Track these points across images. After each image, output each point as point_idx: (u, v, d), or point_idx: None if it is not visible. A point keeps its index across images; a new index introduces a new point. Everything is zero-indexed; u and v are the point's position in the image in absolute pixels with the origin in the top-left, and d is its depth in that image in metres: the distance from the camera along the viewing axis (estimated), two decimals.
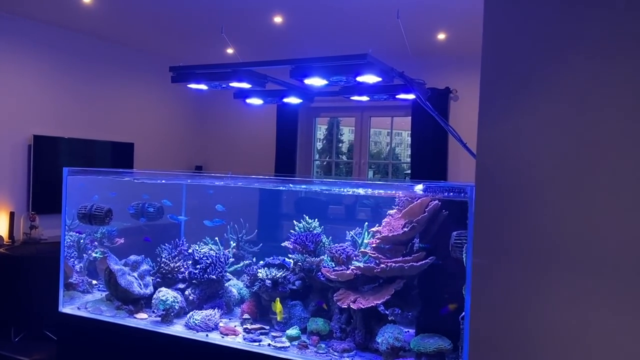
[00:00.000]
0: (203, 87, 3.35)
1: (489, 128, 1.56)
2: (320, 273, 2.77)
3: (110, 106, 7.50)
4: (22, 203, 6.39)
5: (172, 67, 3.26)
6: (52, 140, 6.69)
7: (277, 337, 2.74)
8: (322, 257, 2.79)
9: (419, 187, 2.85)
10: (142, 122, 7.98)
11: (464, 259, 2.30)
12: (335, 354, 2.54)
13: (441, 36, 6.32)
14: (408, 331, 2.57)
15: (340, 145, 8.78)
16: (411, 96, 3.54)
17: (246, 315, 2.93)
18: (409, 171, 8.38)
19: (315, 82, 2.99)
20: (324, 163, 8.59)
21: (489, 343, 1.50)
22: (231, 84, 3.23)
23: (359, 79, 2.87)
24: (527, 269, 1.43)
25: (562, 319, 1.39)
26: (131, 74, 7.81)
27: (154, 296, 3.00)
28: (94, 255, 3.56)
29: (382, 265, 2.53)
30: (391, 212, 2.86)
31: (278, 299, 2.82)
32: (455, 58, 7.13)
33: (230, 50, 7.62)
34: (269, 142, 8.20)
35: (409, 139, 8.27)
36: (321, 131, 8.71)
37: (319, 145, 8.62)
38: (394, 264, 2.50)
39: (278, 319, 2.80)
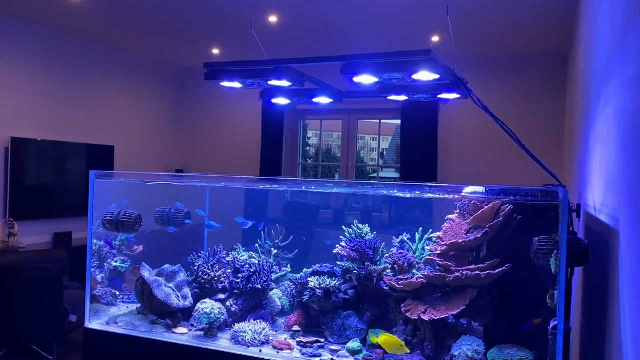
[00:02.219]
0: (236, 85, 3.15)
1: None
2: (382, 282, 2.61)
3: (91, 108, 7.17)
4: None
5: (207, 64, 3.06)
6: (31, 142, 6.33)
7: (335, 351, 2.57)
8: (386, 265, 2.63)
9: (468, 190, 2.74)
10: (123, 124, 7.66)
11: (553, 266, 2.18)
12: None
13: (435, 39, 6.26)
14: None
15: (307, 148, 8.63)
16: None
17: (296, 327, 2.76)
18: (374, 174, 8.32)
19: (365, 80, 2.84)
20: (309, 167, 8.44)
21: None
22: (270, 82, 3.04)
23: (415, 76, 2.74)
24: None
25: None
26: (113, 76, 7.48)
27: (196, 308, 2.78)
28: (114, 264, 3.31)
29: (457, 274, 2.39)
30: (451, 216, 2.73)
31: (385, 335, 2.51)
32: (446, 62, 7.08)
33: (216, 51, 7.39)
34: (254, 144, 8.00)
35: (372, 142, 8.24)
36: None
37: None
38: (469, 272, 2.37)
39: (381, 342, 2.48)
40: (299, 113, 7.98)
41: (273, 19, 5.86)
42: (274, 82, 3.04)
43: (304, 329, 2.79)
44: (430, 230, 2.84)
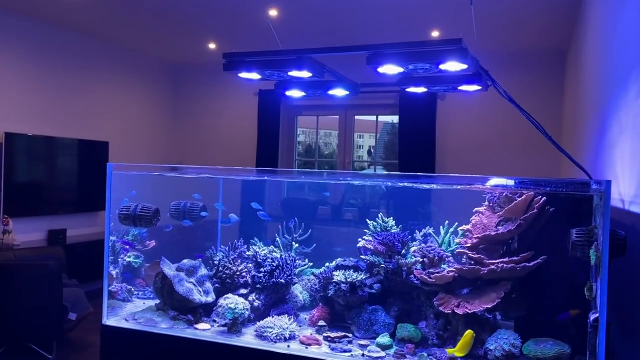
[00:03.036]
0: (255, 76, 3.09)
1: None
2: (413, 276, 2.57)
3: (85, 103, 7.05)
4: None
5: (226, 54, 2.98)
6: (24, 138, 6.19)
7: (365, 345, 2.52)
8: (417, 258, 2.59)
9: (492, 182, 2.71)
10: (117, 120, 7.54)
11: (593, 258, 2.15)
12: None
13: (435, 34, 6.24)
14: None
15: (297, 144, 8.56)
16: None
17: (322, 322, 2.70)
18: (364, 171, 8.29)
19: (389, 70, 2.79)
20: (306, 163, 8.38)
21: None
22: (290, 73, 2.98)
23: (443, 66, 2.70)
24: None
25: None
26: (107, 70, 7.35)
27: (219, 303, 2.72)
28: (127, 259, 3.23)
29: (492, 267, 2.36)
30: (479, 209, 2.70)
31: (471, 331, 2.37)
32: None
33: (212, 46, 7.29)
34: (249, 140, 7.92)
35: (359, 140, 8.19)
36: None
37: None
38: (505, 265, 2.34)
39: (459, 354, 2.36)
40: (295, 109, 7.92)
41: (273, 12, 5.79)
42: (294, 73, 2.98)
43: (328, 323, 2.73)
44: (447, 221, 2.80)
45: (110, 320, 2.84)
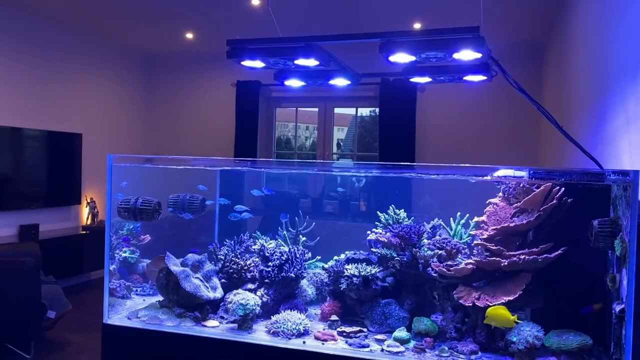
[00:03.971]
0: (258, 64, 2.99)
1: None
2: (430, 268, 2.52)
3: (57, 94, 6.80)
4: None
5: (230, 41, 2.87)
6: None
7: (381, 340, 2.47)
8: (435, 251, 2.54)
9: (500, 172, 2.69)
10: (90, 111, 7.30)
11: (619, 249, 2.14)
12: (462, 356, 2.31)
13: (417, 25, 6.22)
14: None
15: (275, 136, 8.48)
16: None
17: (334, 317, 2.64)
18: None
19: (400, 58, 2.73)
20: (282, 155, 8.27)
21: None
22: (297, 62, 2.89)
23: (456, 55, 2.65)
24: None
25: None
26: (79, 60, 7.09)
27: (229, 300, 2.62)
28: (123, 255, 3.10)
29: (514, 259, 2.33)
30: (494, 200, 2.67)
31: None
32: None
33: (189, 36, 7.12)
34: (227, 132, 7.78)
35: (316, 132, 8.17)
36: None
37: None
38: (527, 257, 2.31)
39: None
40: (274, 100, 7.81)
41: (255, 1, 5.66)
42: (301, 62, 2.89)
43: (340, 318, 2.67)
44: (459, 213, 2.77)
45: (111, 319, 2.71)
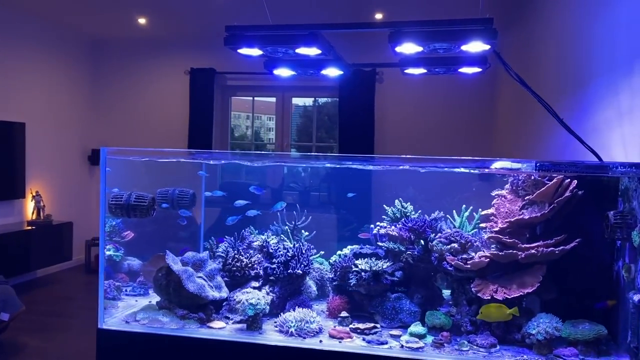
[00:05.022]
0: (256, 52, 2.86)
1: None
2: (445, 262, 2.50)
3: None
4: None
5: (228, 27, 2.73)
6: None
7: (397, 336, 2.43)
8: (453, 244, 2.51)
9: (497, 165, 2.71)
10: (33, 99, 6.86)
11: (637, 239, 2.18)
12: (482, 350, 2.30)
13: (378, 16, 6.19)
14: None
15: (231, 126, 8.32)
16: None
17: (344, 313, 2.58)
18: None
19: (408, 49, 2.69)
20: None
21: None
22: (298, 50, 2.79)
23: (465, 47, 2.63)
24: None
25: None
26: (19, 44, 6.63)
27: (236, 299, 2.50)
28: (107, 253, 2.92)
29: (532, 251, 2.34)
30: (501, 192, 2.67)
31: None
32: (384, 39, 7.08)
33: (142, 21, 6.81)
34: (181, 122, 7.53)
35: (269, 122, 8.11)
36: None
37: None
38: (544, 249, 2.32)
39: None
40: (229, 89, 7.61)
41: None
42: (302, 50, 2.79)
43: (348, 314, 2.61)
44: (464, 205, 2.77)
45: (107, 323, 2.54)
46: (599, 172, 2.44)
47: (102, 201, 2.53)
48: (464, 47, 2.63)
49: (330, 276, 2.76)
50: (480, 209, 2.74)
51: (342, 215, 5.36)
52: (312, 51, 2.80)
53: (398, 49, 2.69)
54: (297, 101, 7.82)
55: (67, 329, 5.21)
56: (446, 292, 2.75)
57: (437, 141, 6.97)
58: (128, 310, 2.69)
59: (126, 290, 2.90)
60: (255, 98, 7.75)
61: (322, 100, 7.74)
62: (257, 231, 2.99)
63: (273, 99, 7.57)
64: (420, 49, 2.67)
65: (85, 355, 4.52)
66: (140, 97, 7.73)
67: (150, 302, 2.83)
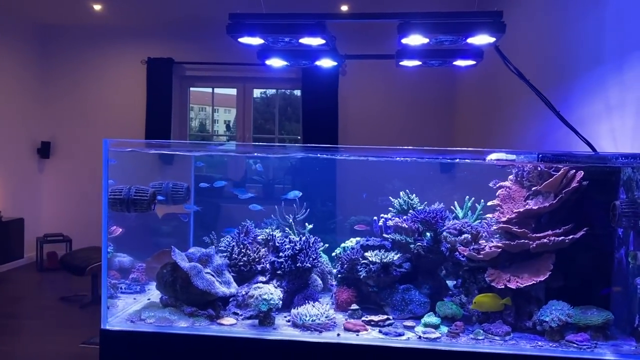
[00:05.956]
0: (257, 41, 2.79)
1: None
2: (457, 253, 2.52)
3: None
4: None
5: (232, 14, 2.64)
6: None
7: (411, 327, 2.44)
8: (465, 235, 2.53)
9: (493, 156, 2.77)
10: None
11: None
12: (497, 338, 2.34)
13: (344, 8, 6.18)
14: None
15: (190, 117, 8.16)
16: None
17: (354, 306, 2.56)
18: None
19: (414, 40, 2.68)
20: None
21: None
22: (302, 40, 2.74)
23: (471, 40, 2.65)
24: None
25: None
26: None
27: (249, 294, 2.44)
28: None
29: (544, 240, 2.39)
30: (505, 183, 2.71)
31: None
32: (350, 31, 7.08)
33: (97, 7, 6.53)
34: (137, 114, 7.29)
35: (226, 114, 8.06)
36: None
37: None
38: (556, 238, 2.38)
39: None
40: (187, 79, 7.43)
41: None
42: (305, 40, 2.74)
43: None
44: (467, 196, 2.80)
45: (110, 323, 2.42)
46: (601, 163, 2.51)
47: (105, 196, 2.41)
48: (469, 40, 2.65)
49: (329, 269, 2.75)
50: (482, 200, 2.79)
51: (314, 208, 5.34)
52: (316, 41, 2.75)
53: (404, 41, 2.68)
54: (258, 93, 7.73)
55: (22, 331, 4.96)
56: (449, 283, 2.77)
57: (401, 133, 7.04)
58: (129, 309, 2.58)
59: (122, 288, 2.78)
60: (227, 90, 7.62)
61: (282, 92, 7.69)
62: (252, 222, 2.93)
63: (232, 91, 7.45)
64: (426, 40, 2.67)
65: (50, 357, 4.34)
66: (93, 87, 7.43)
67: (149, 299, 2.73)
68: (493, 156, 2.89)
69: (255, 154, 3.33)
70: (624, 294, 2.46)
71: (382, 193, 3.84)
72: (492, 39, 2.65)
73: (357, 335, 2.35)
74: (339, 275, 2.73)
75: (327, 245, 2.87)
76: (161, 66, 7.10)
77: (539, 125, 4.09)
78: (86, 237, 6.80)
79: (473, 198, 2.81)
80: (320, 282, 2.76)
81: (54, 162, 7.51)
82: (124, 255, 2.98)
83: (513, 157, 2.89)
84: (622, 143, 2.89)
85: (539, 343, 2.31)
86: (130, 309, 2.59)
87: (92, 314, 5.52)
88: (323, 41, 2.74)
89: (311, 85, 6.95)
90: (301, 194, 3.01)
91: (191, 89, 7.54)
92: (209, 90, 7.52)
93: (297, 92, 7.42)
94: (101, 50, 7.36)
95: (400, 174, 3.69)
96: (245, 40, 2.78)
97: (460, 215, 2.77)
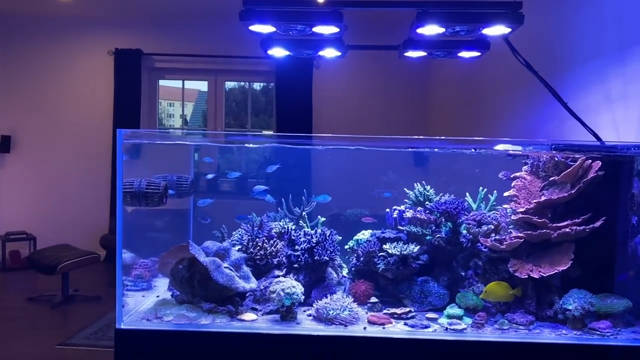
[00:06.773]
0: (268, 29, 2.70)
1: None
2: (480, 244, 2.51)
3: None
4: None
5: (246, 1, 2.55)
6: None
7: (434, 319, 2.42)
8: (488, 226, 2.52)
9: (500, 147, 2.80)
10: None
11: None
12: (521, 327, 2.35)
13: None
14: None
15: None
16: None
17: (374, 299, 2.52)
18: None
19: (429, 30, 2.66)
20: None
21: None
22: (315, 29, 2.67)
23: (486, 30, 2.65)
24: None
25: None
26: None
27: (272, 288, 2.36)
28: None
29: (566, 230, 2.40)
30: (520, 174, 2.72)
31: None
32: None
33: None
34: (104, 106, 7.05)
35: (169, 108, 7.94)
36: None
37: None
38: (577, 228, 2.40)
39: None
40: (157, 72, 7.22)
41: None
42: (318, 29, 2.67)
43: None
44: (481, 187, 2.80)
45: (125, 323, 2.30)
46: (615, 152, 2.54)
47: (119, 190, 2.28)
48: (484, 31, 2.64)
49: (339, 262, 2.70)
50: (495, 191, 2.79)
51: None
52: (329, 30, 2.69)
53: (419, 30, 2.65)
54: (200, 86, 7.60)
55: None
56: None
57: (377, 126, 7.04)
58: (140, 307, 2.47)
59: (128, 286, 2.66)
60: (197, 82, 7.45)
61: (256, 85, 7.58)
62: (254, 215, 2.85)
63: (204, 84, 7.30)
64: (441, 30, 2.64)
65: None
66: (57, 78, 7.13)
67: (157, 296, 2.62)
68: (500, 147, 2.91)
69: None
70: (638, 281, 2.50)
71: (377, 186, 3.83)
72: (507, 30, 2.65)
73: (383, 328, 2.31)
74: (354, 269, 2.69)
75: (340, 237, 2.82)
76: (129, 57, 6.88)
77: (530, 117, 4.14)
78: (51, 234, 6.56)
79: (486, 189, 2.81)
80: (335, 275, 2.71)
81: (14, 156, 7.18)
82: (124, 251, 2.85)
83: (519, 148, 2.91)
84: (626, 134, 2.95)
85: (563, 331, 2.32)
86: (141, 306, 2.48)
87: (64, 314, 5.32)
88: (337, 30, 2.68)
89: (285, 78, 6.87)
90: (330, 198, 2.95)
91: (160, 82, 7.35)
92: (178, 83, 7.35)
93: (271, 85, 7.32)
94: (66, 41, 7.08)
95: (394, 166, 3.68)
96: (256, 27, 2.69)
97: (474, 206, 2.76)
